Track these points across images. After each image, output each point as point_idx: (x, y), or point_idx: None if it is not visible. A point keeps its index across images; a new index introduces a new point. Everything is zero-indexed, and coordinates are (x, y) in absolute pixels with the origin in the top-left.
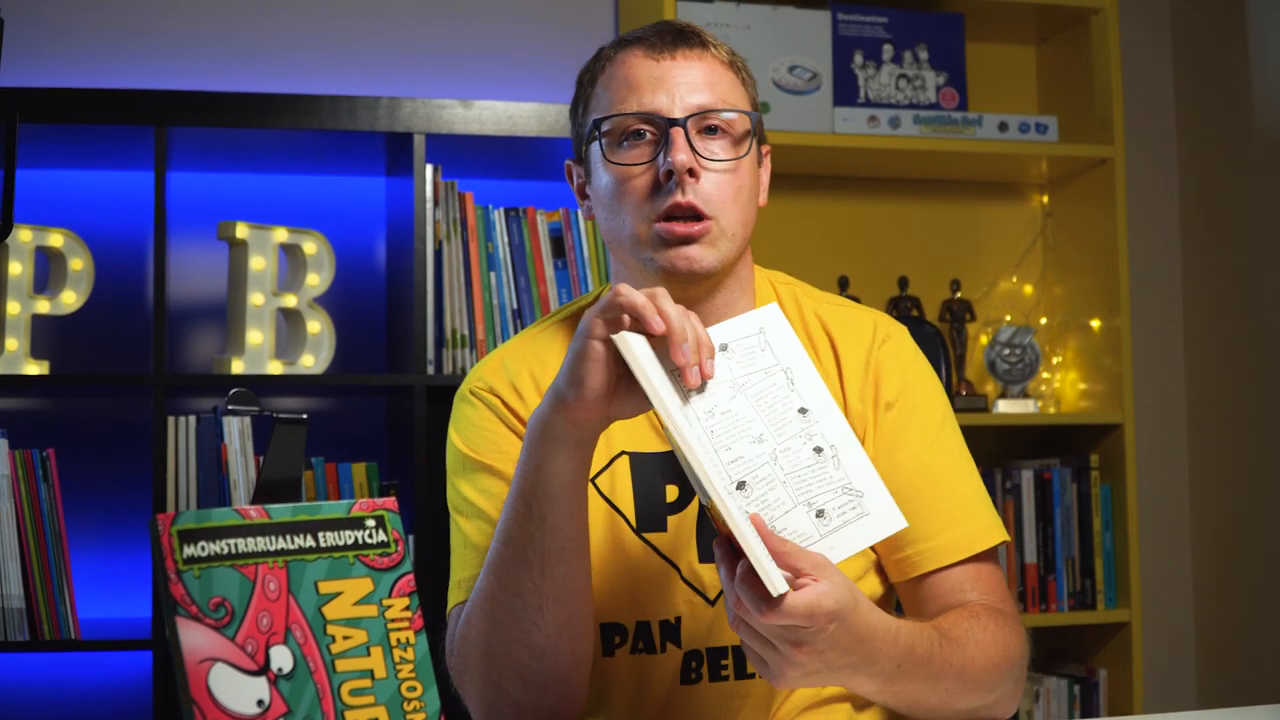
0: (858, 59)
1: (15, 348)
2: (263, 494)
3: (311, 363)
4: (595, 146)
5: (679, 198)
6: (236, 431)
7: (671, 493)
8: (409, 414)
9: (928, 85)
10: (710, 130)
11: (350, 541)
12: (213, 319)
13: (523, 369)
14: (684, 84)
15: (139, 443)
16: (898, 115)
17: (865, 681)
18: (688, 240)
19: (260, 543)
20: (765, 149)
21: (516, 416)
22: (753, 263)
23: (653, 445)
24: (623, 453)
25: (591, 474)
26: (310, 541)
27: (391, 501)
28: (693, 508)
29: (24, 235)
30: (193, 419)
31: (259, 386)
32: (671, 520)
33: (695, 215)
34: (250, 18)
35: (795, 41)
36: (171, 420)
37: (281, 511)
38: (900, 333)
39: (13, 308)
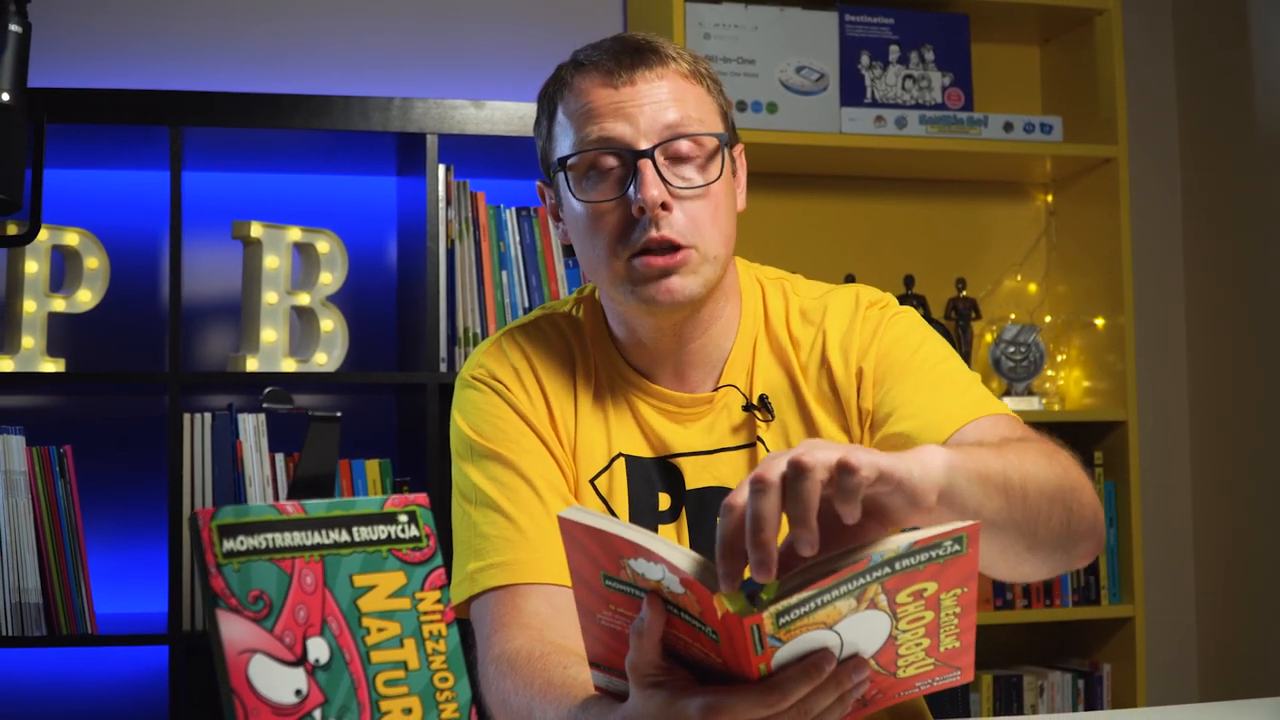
0: (864, 59)
1: (31, 345)
2: (298, 490)
3: (325, 360)
4: (562, 178)
5: (653, 233)
6: (251, 428)
7: (664, 500)
8: (421, 411)
9: (933, 85)
10: (679, 155)
11: (384, 536)
12: (227, 317)
13: (521, 362)
14: (647, 107)
15: (155, 439)
16: (904, 115)
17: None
18: (666, 272)
19: (297, 537)
20: (738, 149)
21: (520, 404)
22: (735, 265)
23: (646, 450)
24: (620, 455)
25: (591, 475)
26: (345, 536)
27: (423, 497)
28: (683, 519)
29: (40, 234)
30: (208, 416)
31: (272, 384)
32: (662, 530)
33: (672, 246)
34: (264, 19)
35: (802, 42)
36: (187, 417)
37: (317, 507)
38: (885, 299)
39: (29, 306)
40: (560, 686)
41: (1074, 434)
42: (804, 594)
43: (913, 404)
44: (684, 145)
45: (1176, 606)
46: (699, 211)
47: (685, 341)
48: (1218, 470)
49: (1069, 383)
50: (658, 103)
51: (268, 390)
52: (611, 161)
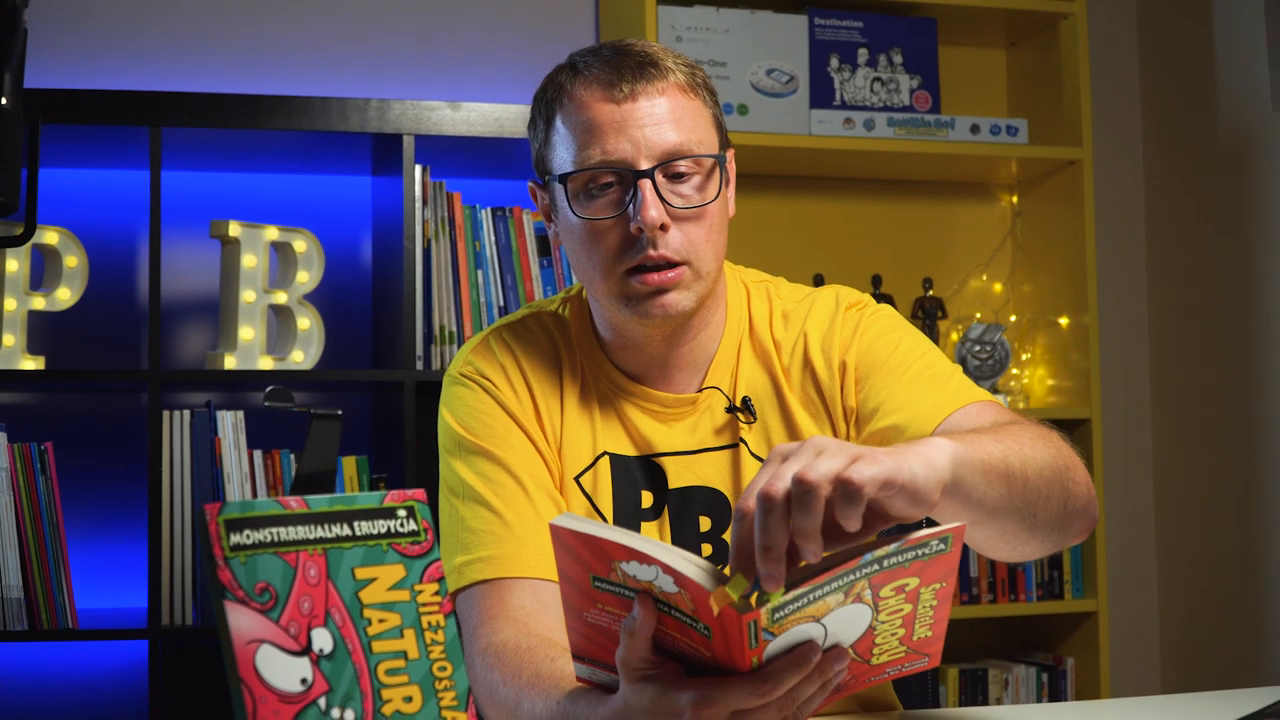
0: (834, 62)
1: (12, 343)
2: (300, 486)
3: (301, 358)
4: (560, 190)
5: (650, 252)
6: (230, 425)
7: (647, 499)
8: (398, 408)
9: (901, 88)
10: (678, 174)
11: (383, 530)
12: (205, 315)
13: (509, 360)
14: (648, 125)
15: (134, 436)
16: (872, 117)
17: (936, 470)
18: (662, 290)
19: (301, 531)
20: (729, 153)
21: (508, 402)
22: (723, 270)
23: (630, 449)
24: (605, 453)
25: (576, 473)
26: (347, 530)
27: (420, 493)
28: (665, 517)
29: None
30: (187, 413)
31: (250, 382)
32: (645, 527)
33: (668, 263)
34: (244, 21)
35: (773, 45)
36: (166, 414)
37: (319, 502)
38: (864, 300)
39: (9, 304)
40: (549, 678)
41: None
42: (799, 590)
43: (898, 397)
44: (683, 164)
45: (1139, 601)
46: (695, 230)
47: (674, 346)
48: (1179, 467)
49: (1034, 381)
50: (658, 122)
51: (270, 389)
52: (611, 179)
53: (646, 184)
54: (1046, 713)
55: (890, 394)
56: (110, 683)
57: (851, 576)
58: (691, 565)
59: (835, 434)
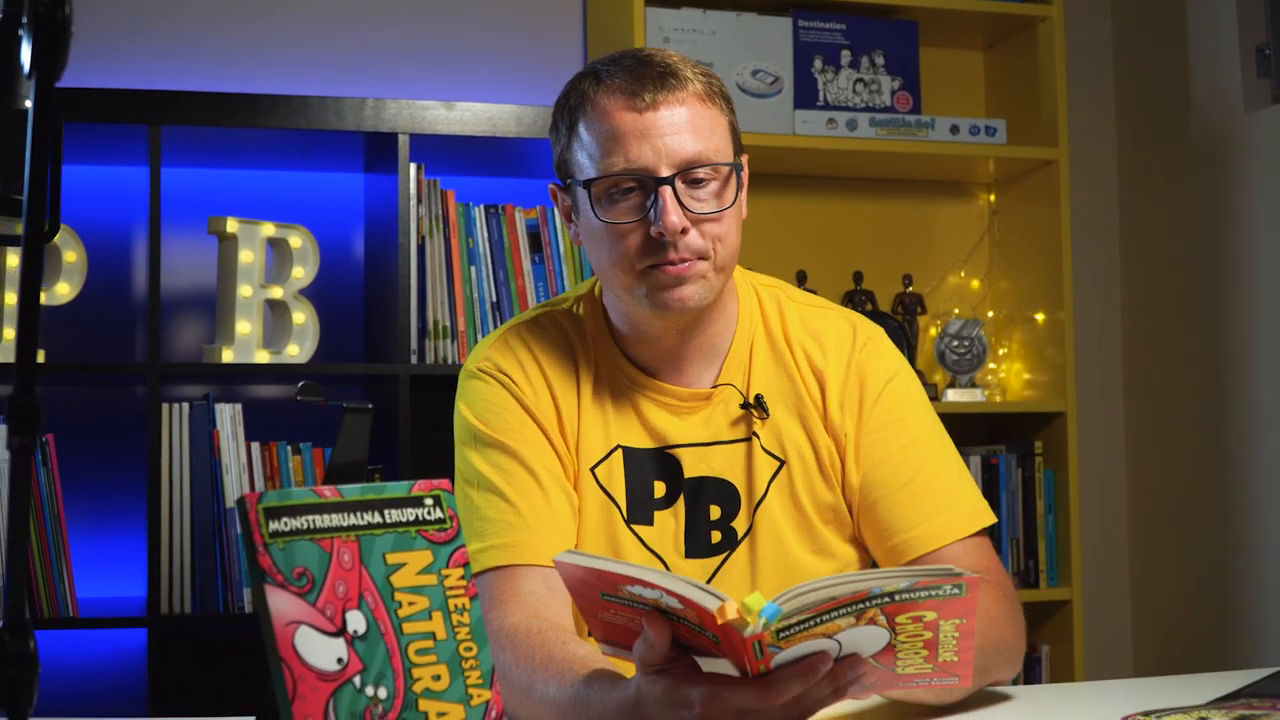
0: (817, 64)
1: (12, 337)
2: (333, 476)
3: (297, 352)
4: (583, 194)
5: (671, 255)
6: (228, 418)
7: (659, 489)
8: (392, 402)
9: (883, 89)
10: (697, 180)
11: (412, 518)
12: (203, 310)
13: (526, 356)
14: (669, 134)
15: (134, 428)
16: (855, 118)
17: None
18: (680, 281)
19: (335, 519)
20: (743, 158)
21: (525, 397)
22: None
23: (645, 442)
24: (619, 446)
25: (591, 464)
26: (378, 518)
27: (446, 483)
28: (679, 505)
29: (19, 228)
30: (185, 406)
31: (247, 375)
32: (659, 515)
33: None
34: (243, 21)
35: (758, 46)
36: (165, 407)
37: (352, 491)
38: (879, 335)
39: (9, 299)
40: (561, 661)
41: (1015, 425)
42: (803, 617)
43: (907, 515)
44: (701, 171)
45: (1112, 589)
46: (713, 232)
47: (688, 339)
48: (1151, 459)
49: (1010, 375)
50: (678, 131)
51: (302, 384)
52: (633, 185)
53: (667, 190)
54: (1023, 693)
55: (899, 506)
56: (110, 670)
57: (860, 606)
58: (690, 588)
59: (839, 446)
